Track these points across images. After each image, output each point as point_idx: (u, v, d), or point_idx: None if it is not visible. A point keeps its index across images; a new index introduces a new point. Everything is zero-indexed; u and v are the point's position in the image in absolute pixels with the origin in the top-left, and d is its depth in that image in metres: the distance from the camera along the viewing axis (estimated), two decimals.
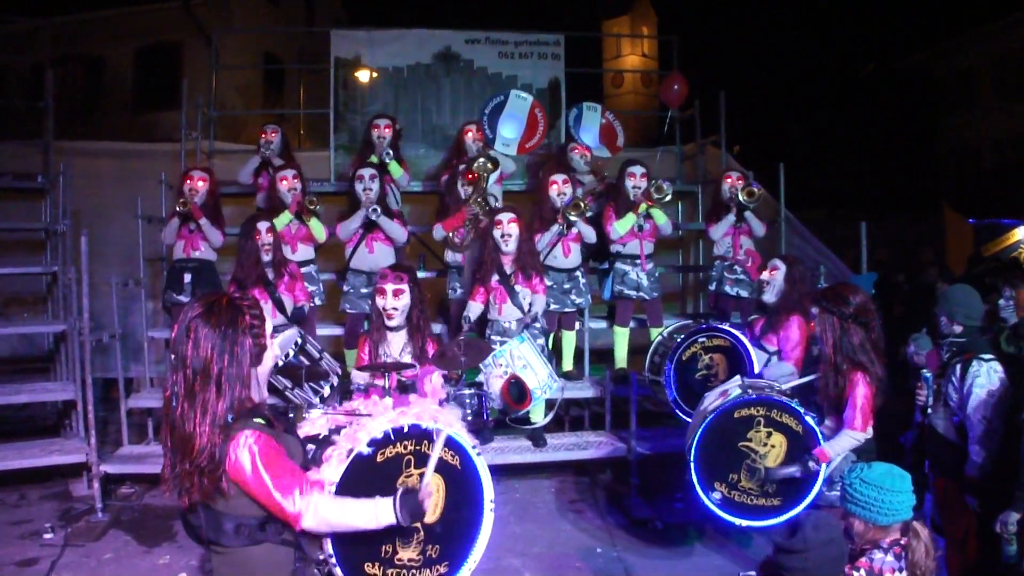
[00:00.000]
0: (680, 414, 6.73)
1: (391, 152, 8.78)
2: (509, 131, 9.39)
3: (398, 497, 3.15)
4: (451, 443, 3.86)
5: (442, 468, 3.82)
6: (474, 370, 6.54)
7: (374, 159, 8.72)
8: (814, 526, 3.23)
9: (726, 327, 6.86)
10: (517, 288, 7.44)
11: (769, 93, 35.70)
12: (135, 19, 23.51)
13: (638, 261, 8.43)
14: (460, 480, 3.91)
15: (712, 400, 5.58)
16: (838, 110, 33.78)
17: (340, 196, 9.65)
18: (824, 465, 5.17)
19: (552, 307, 8.07)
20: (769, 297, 6.56)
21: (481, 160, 8.47)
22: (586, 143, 9.52)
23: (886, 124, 31.11)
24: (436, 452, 3.42)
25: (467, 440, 3.92)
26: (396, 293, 6.01)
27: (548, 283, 7.98)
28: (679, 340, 6.81)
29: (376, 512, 3.10)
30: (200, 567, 3.07)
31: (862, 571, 3.37)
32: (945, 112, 30.76)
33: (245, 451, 2.84)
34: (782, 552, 3.27)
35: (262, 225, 7.35)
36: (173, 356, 2.95)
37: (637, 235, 8.39)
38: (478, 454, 3.95)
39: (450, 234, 8.43)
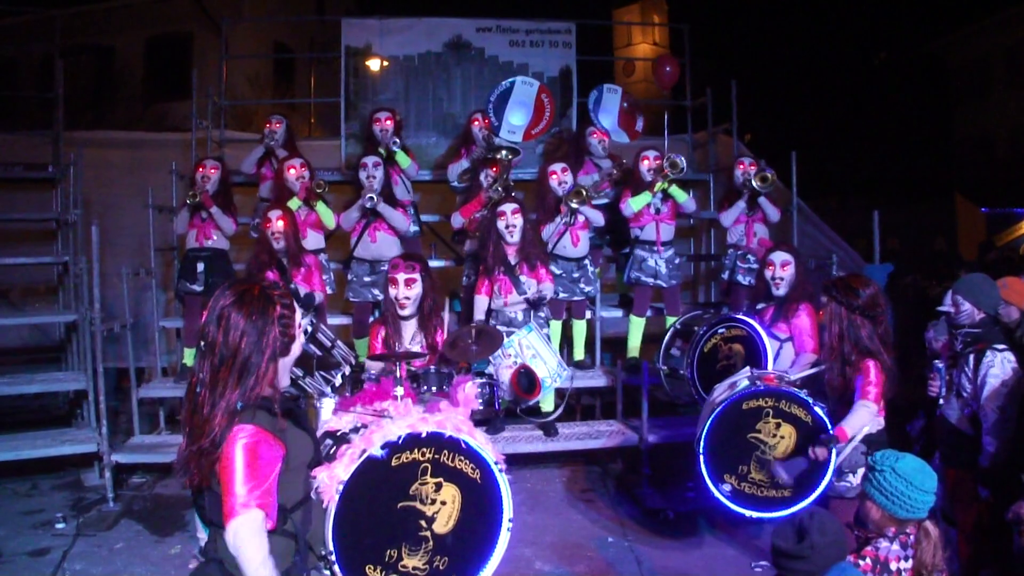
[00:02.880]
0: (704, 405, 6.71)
1: (398, 140, 8.76)
2: (517, 118, 9.37)
3: None
4: (473, 456, 3.84)
5: (461, 480, 3.81)
6: (484, 360, 6.53)
7: (381, 151, 8.70)
8: (820, 530, 3.19)
9: (741, 316, 6.83)
10: (522, 279, 7.42)
11: (781, 81, 35.60)
12: (145, 9, 23.56)
13: (655, 247, 8.40)
14: (479, 495, 3.88)
15: (721, 392, 5.56)
16: (851, 98, 33.67)
17: (351, 185, 9.65)
18: (835, 456, 5.13)
19: (561, 295, 8.05)
20: (783, 291, 6.55)
21: (504, 152, 8.48)
22: (604, 127, 9.48)
23: (899, 112, 31.02)
24: None
25: (491, 455, 3.90)
26: (408, 283, 6.03)
27: (557, 271, 7.98)
28: (700, 332, 6.79)
29: None
30: (203, 548, 3.06)
31: (868, 559, 3.36)
32: (958, 101, 30.65)
33: (237, 440, 2.83)
34: (787, 557, 3.23)
35: (272, 213, 7.37)
36: (202, 343, 2.94)
37: (654, 218, 8.37)
38: (501, 471, 3.92)
39: (467, 220, 8.41)
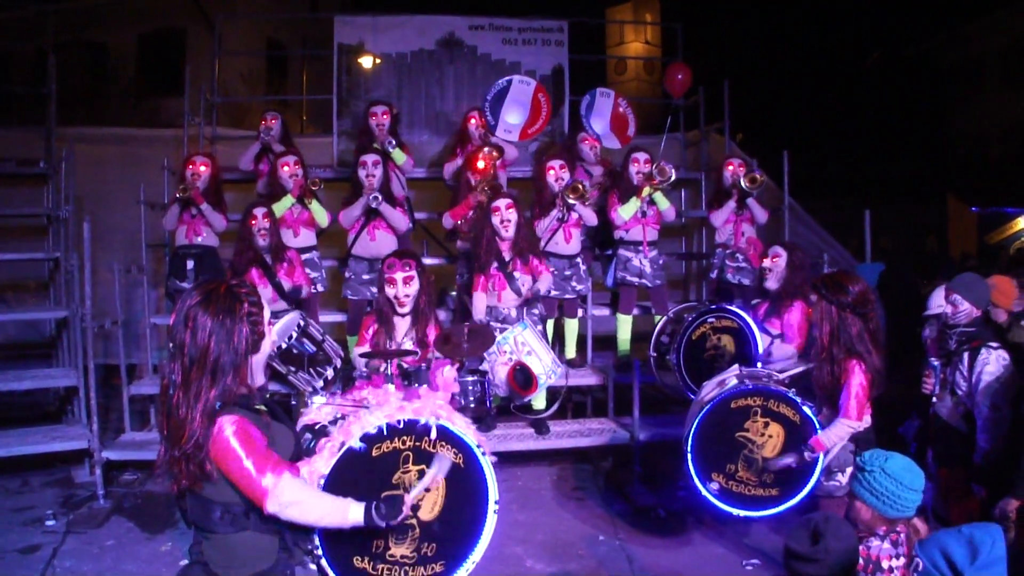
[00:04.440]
0: (689, 394, 6.72)
1: (393, 140, 8.76)
2: (513, 117, 9.35)
3: (377, 502, 3.06)
4: (455, 440, 3.84)
5: None
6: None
7: (376, 147, 8.69)
8: (835, 534, 3.20)
9: (734, 309, 6.86)
10: (516, 275, 7.42)
11: (774, 80, 35.64)
12: (138, 5, 23.44)
13: (640, 248, 8.40)
14: (463, 479, 3.87)
15: (709, 390, 5.58)
16: (843, 98, 33.71)
17: (343, 182, 9.65)
18: (822, 454, 5.15)
19: (552, 293, 8.04)
20: (772, 284, 6.61)
21: (486, 149, 8.47)
22: (596, 132, 9.48)
23: (891, 112, 31.05)
24: (429, 477, 3.37)
25: (473, 439, 3.89)
26: (406, 280, 6.04)
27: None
28: (689, 319, 6.80)
29: (346, 510, 3.03)
30: (189, 550, 3.11)
31: (859, 559, 3.36)
32: (951, 100, 30.67)
33: (225, 430, 2.86)
34: (799, 559, 3.23)
35: (258, 211, 7.39)
36: (171, 344, 2.95)
37: (640, 221, 8.38)
38: (484, 454, 3.92)
39: (459, 222, 8.41)
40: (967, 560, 3.03)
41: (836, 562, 3.17)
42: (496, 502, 3.93)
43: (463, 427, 3.89)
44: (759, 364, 6.42)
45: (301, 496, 2.95)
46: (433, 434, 3.76)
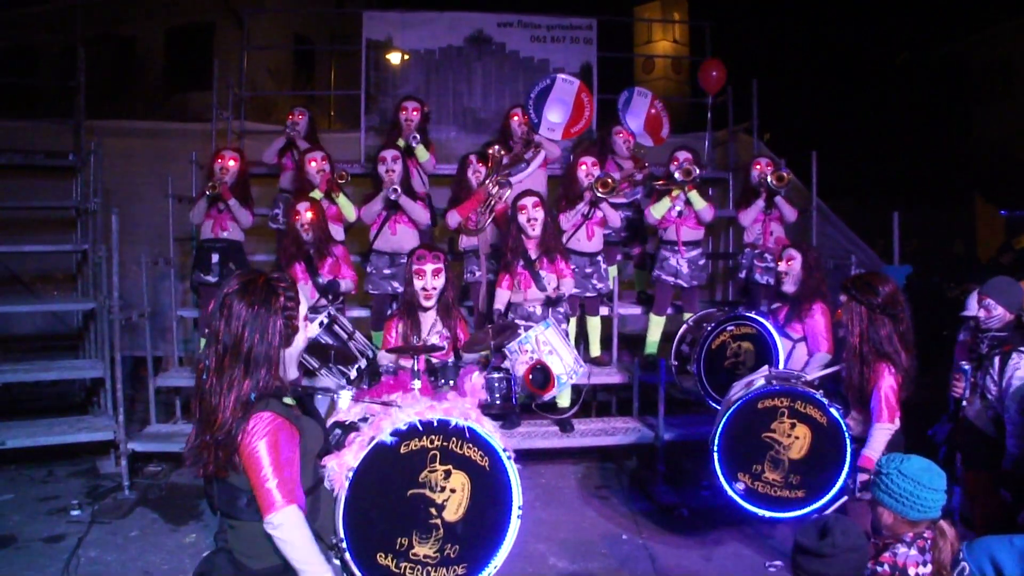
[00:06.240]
0: (710, 402, 6.71)
1: (418, 136, 8.76)
2: (555, 115, 9.34)
3: None
4: (481, 443, 3.84)
5: (470, 468, 3.81)
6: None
7: (401, 142, 8.70)
8: (843, 531, 3.18)
9: (753, 315, 6.84)
10: (542, 273, 7.41)
11: (802, 81, 35.47)
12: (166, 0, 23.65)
13: (677, 247, 8.39)
14: (488, 482, 3.88)
15: (737, 391, 5.56)
16: (872, 98, 33.50)
17: (371, 178, 9.65)
18: (849, 457, 5.13)
19: (574, 291, 8.02)
20: (789, 287, 6.61)
21: (496, 147, 8.48)
22: (630, 128, 9.45)
23: (919, 113, 30.84)
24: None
25: (499, 443, 3.89)
26: (436, 272, 6.06)
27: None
28: (708, 328, 6.78)
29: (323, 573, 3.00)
30: (215, 537, 3.13)
31: (886, 566, 3.33)
32: (979, 102, 30.44)
33: (258, 435, 2.88)
34: (806, 554, 3.22)
35: (301, 206, 7.35)
36: (207, 331, 2.98)
37: (675, 220, 8.36)
38: (509, 458, 3.92)
39: (463, 220, 8.38)
40: (1017, 571, 3.00)
41: (842, 560, 3.15)
42: (520, 507, 3.94)
43: (490, 430, 3.89)
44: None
45: (295, 533, 2.93)
46: (468, 427, 3.77)
